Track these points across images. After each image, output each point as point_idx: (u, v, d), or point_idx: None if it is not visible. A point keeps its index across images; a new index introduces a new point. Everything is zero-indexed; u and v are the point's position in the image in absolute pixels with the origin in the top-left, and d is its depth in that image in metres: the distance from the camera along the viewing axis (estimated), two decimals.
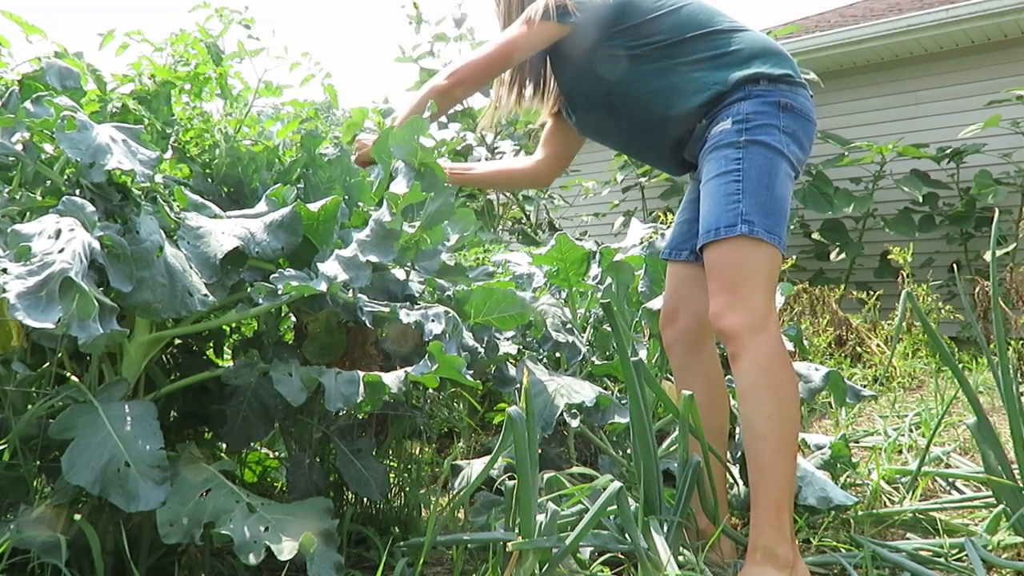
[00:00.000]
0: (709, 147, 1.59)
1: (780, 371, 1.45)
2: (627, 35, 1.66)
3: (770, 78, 1.58)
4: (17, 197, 1.39)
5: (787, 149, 1.55)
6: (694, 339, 1.77)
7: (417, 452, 2.20)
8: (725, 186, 1.52)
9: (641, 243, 2.62)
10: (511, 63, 1.77)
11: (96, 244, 1.18)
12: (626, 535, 1.42)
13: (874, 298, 4.92)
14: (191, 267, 1.38)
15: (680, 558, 1.44)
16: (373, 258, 1.50)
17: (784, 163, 1.55)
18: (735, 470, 1.92)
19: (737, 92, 1.58)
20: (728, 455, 1.88)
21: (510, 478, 1.50)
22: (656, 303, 2.02)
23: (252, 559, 1.17)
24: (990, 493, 1.86)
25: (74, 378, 1.36)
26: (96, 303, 1.08)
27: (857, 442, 2.69)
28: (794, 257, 5.99)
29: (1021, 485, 1.70)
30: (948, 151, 5.95)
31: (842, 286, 5.60)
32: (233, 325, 1.79)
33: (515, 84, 1.87)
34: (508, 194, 6.36)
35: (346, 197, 1.79)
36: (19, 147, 1.39)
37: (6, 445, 1.22)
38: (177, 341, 1.67)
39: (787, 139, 1.56)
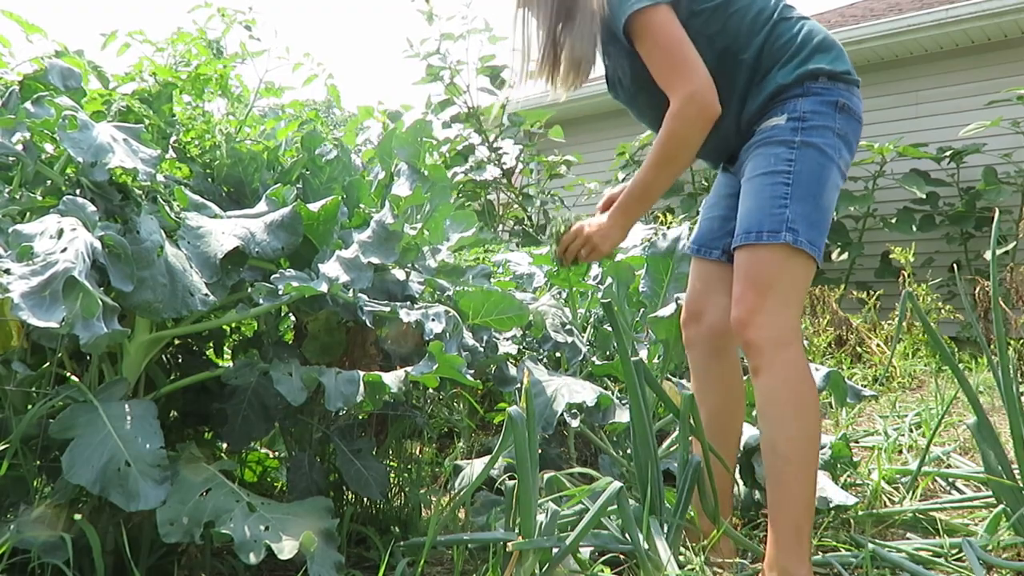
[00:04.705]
0: (758, 142, 1.50)
1: (804, 389, 1.40)
2: (695, 21, 1.52)
3: (830, 75, 1.49)
4: (18, 197, 1.39)
5: (838, 155, 1.47)
6: (718, 342, 1.69)
7: (417, 452, 2.20)
8: (772, 187, 1.44)
9: (641, 243, 2.62)
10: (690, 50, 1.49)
11: (97, 244, 1.18)
12: (626, 535, 1.42)
13: (874, 298, 4.92)
14: (191, 267, 1.38)
15: (680, 558, 1.44)
16: (375, 259, 1.50)
17: (835, 171, 1.47)
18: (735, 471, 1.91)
19: (796, 88, 1.49)
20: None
21: (510, 478, 1.50)
22: (665, 311, 2.01)
23: (252, 558, 1.17)
24: (990, 493, 1.86)
25: (74, 378, 1.36)
26: (99, 302, 1.08)
27: (857, 442, 2.69)
28: None
29: (1021, 485, 1.69)
30: (948, 151, 5.95)
31: (842, 286, 5.60)
32: (233, 325, 1.79)
33: (550, 64, 1.63)
34: (509, 194, 6.36)
35: (345, 197, 1.80)
36: (19, 147, 1.39)
37: (7, 445, 1.21)
38: (177, 341, 1.68)
39: (840, 143, 1.48)
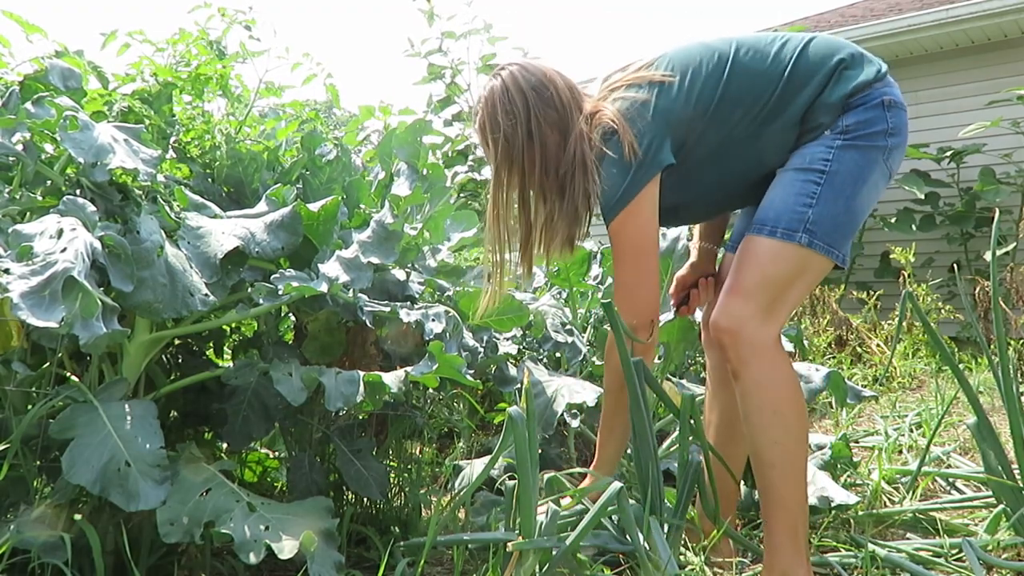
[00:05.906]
0: (800, 143, 1.45)
1: (783, 392, 1.36)
2: (715, 126, 1.46)
3: (867, 84, 1.42)
4: (18, 197, 1.39)
5: (886, 155, 1.41)
6: None
7: (417, 452, 2.20)
8: (803, 184, 1.39)
9: None
10: (656, 254, 1.49)
11: (97, 244, 1.18)
12: (626, 535, 1.42)
13: (874, 298, 4.92)
14: (191, 267, 1.38)
15: (680, 558, 1.44)
16: (375, 259, 1.50)
17: (878, 170, 1.41)
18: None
19: (839, 111, 1.42)
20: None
21: (510, 478, 1.50)
22: (665, 317, 2.01)
23: (252, 558, 1.17)
24: (990, 493, 1.86)
25: (74, 378, 1.36)
26: (99, 302, 1.08)
27: (857, 442, 2.68)
28: None
29: (1021, 485, 1.69)
30: (948, 151, 5.95)
31: (842, 286, 5.60)
32: (233, 325, 1.79)
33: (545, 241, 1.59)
34: None
35: (345, 197, 1.80)
36: (19, 147, 1.39)
37: (8, 445, 1.22)
38: (177, 341, 1.68)
39: (890, 140, 1.41)
